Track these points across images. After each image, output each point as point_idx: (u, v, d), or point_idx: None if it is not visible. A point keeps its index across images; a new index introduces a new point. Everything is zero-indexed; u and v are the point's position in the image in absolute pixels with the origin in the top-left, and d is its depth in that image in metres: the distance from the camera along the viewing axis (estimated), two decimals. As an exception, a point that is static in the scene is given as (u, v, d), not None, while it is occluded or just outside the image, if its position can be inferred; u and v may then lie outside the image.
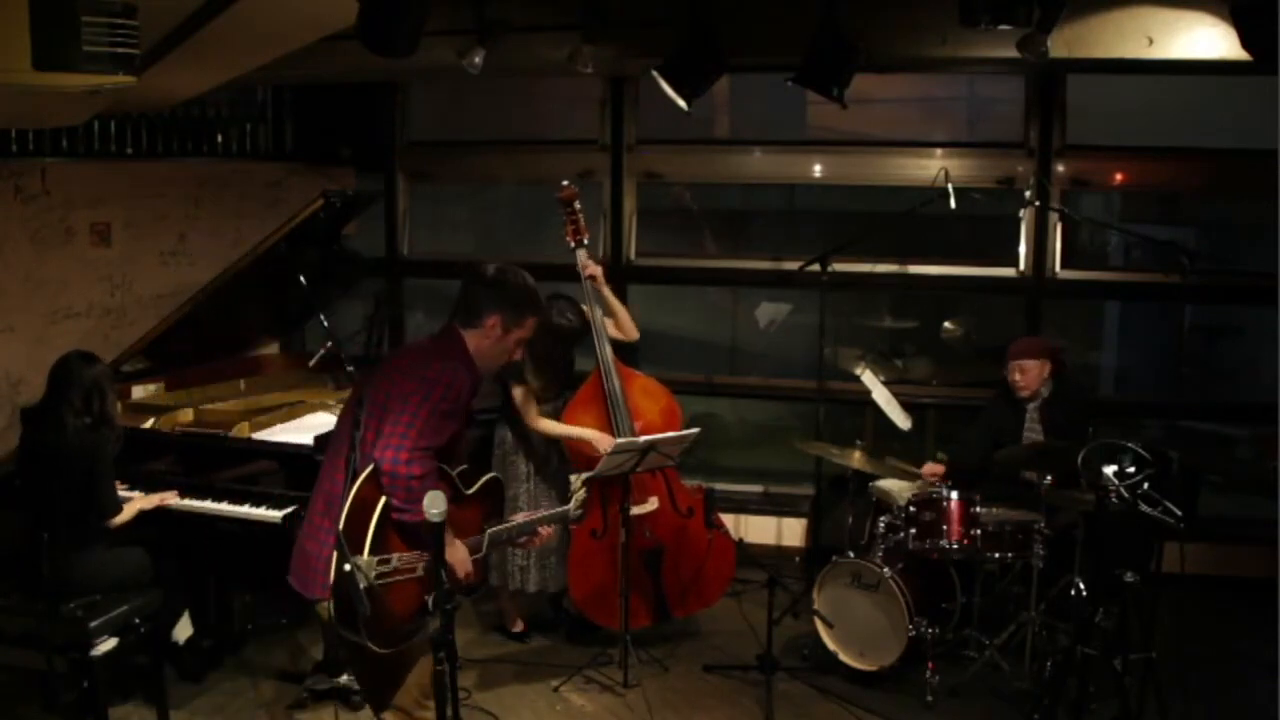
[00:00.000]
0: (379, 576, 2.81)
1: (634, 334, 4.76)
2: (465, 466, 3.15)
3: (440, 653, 2.85)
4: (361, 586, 2.74)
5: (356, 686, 4.09)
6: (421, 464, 2.84)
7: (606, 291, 4.69)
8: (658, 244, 6.38)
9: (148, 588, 3.93)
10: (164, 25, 3.91)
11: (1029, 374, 4.72)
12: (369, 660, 3.02)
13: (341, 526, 2.80)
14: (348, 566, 2.75)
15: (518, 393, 4.56)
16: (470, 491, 3.15)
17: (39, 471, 3.85)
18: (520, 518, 3.35)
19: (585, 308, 4.60)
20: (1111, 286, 6.13)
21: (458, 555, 3.03)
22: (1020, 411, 4.82)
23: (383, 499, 2.85)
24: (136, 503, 4.03)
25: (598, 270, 4.64)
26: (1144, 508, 3.58)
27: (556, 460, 4.69)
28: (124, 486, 4.12)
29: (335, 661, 4.22)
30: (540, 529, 3.35)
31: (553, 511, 3.48)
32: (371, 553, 2.81)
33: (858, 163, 6.08)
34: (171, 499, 4.15)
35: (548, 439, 4.64)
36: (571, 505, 3.50)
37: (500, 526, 3.23)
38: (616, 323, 4.71)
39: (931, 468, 4.86)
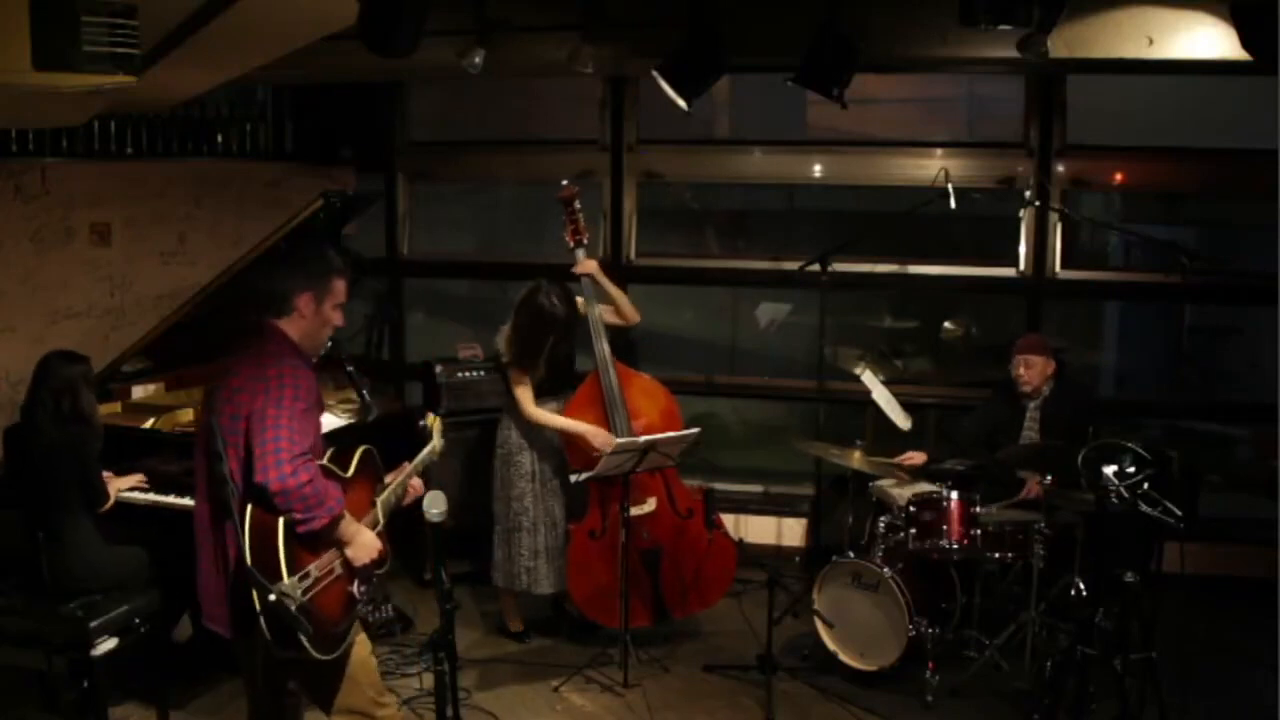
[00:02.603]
0: (304, 593, 2.76)
1: (635, 317, 4.78)
2: (333, 450, 3.09)
3: (440, 653, 2.85)
4: (294, 609, 2.69)
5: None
6: (306, 469, 2.76)
7: (604, 281, 4.70)
8: (658, 244, 6.38)
9: (147, 587, 3.93)
10: (164, 25, 3.90)
11: (1034, 369, 4.73)
12: (311, 670, 2.98)
13: (249, 561, 2.73)
14: (272, 596, 2.68)
15: (511, 378, 4.56)
16: (350, 473, 3.08)
17: (25, 471, 3.86)
18: (389, 478, 3.29)
19: (580, 300, 4.60)
20: (1111, 286, 6.13)
21: (365, 540, 2.98)
22: (1020, 410, 4.83)
23: (280, 520, 2.77)
24: (113, 482, 4.05)
25: (592, 265, 4.65)
26: (1144, 508, 3.58)
27: (561, 459, 4.68)
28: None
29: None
30: (411, 481, 3.33)
31: (420, 455, 3.41)
32: (289, 574, 2.75)
33: (858, 163, 6.07)
34: (136, 484, 4.17)
35: (548, 435, 4.64)
36: (437, 441, 3.50)
37: (385, 492, 3.19)
38: (617, 309, 4.72)
39: (911, 457, 4.84)
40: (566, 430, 4.56)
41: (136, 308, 5.19)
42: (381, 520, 3.15)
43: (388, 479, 3.28)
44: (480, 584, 5.09)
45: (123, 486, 4.11)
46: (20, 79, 3.05)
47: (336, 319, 3.10)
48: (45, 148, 5.10)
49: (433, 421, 3.60)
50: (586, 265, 4.68)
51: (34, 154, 5.02)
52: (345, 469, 3.08)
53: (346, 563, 2.96)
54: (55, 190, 4.84)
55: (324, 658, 2.83)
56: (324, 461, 2.99)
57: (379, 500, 3.16)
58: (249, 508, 2.78)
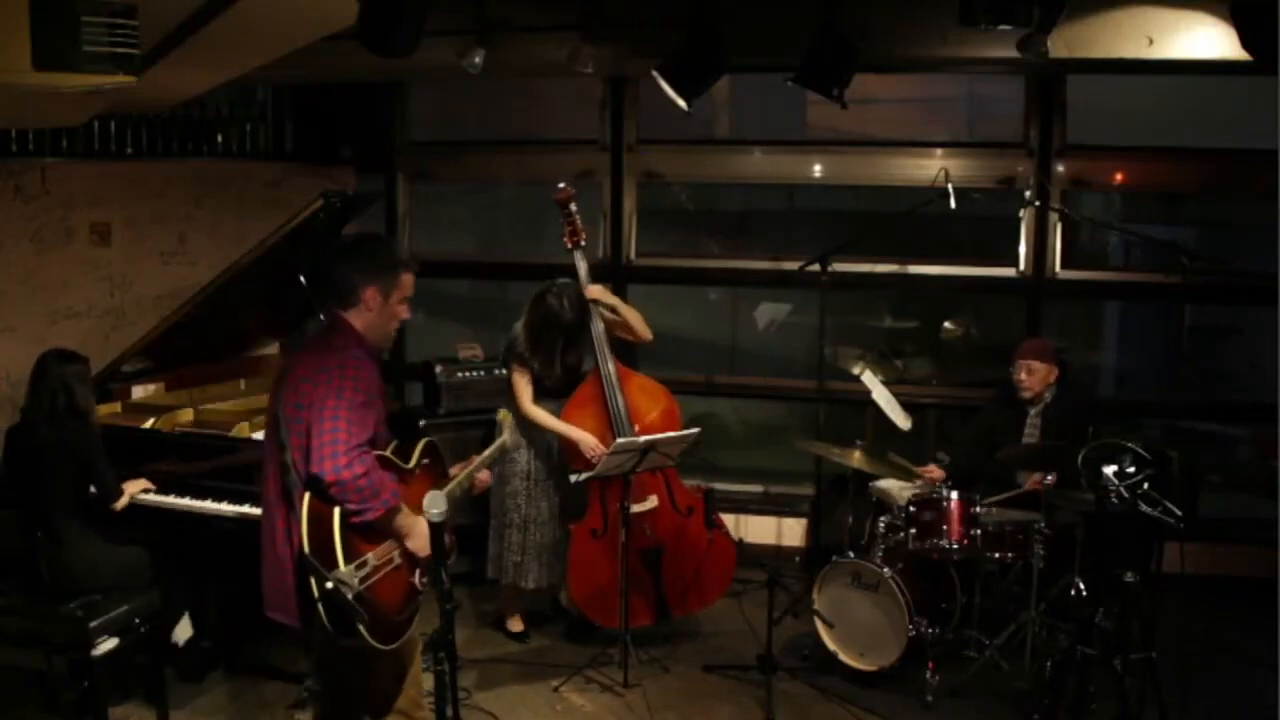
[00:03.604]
0: (361, 581, 2.79)
1: (647, 335, 4.74)
2: (396, 442, 3.12)
3: (440, 653, 2.86)
4: (350, 597, 2.72)
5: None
6: (361, 462, 2.80)
7: (614, 301, 4.68)
8: (657, 244, 6.38)
9: (147, 588, 3.93)
10: (164, 25, 3.91)
11: (1036, 375, 4.72)
12: (374, 665, 3.02)
13: (306, 549, 2.77)
14: (329, 584, 2.72)
15: (515, 375, 4.56)
16: (412, 465, 3.11)
17: (23, 470, 3.87)
18: (457, 469, 3.30)
19: (593, 305, 4.60)
20: (1111, 286, 6.13)
21: (423, 530, 2.99)
22: (1020, 415, 4.82)
23: (336, 509, 2.80)
24: (130, 485, 4.07)
25: (597, 291, 4.63)
26: (1144, 508, 3.58)
27: (556, 457, 4.69)
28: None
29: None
30: (478, 474, 3.34)
31: (490, 449, 3.42)
32: (346, 562, 2.78)
33: (858, 163, 6.07)
34: (145, 488, 4.16)
35: (547, 436, 4.64)
36: (505, 434, 3.53)
37: (450, 484, 3.20)
38: (629, 329, 4.71)
39: (931, 471, 4.84)
40: (558, 433, 4.57)
41: (136, 308, 5.19)
42: (445, 513, 3.13)
43: (453, 470, 3.29)
44: (479, 583, 5.09)
45: (135, 491, 4.10)
46: (20, 79, 3.05)
47: (403, 313, 3.12)
48: (45, 148, 5.10)
49: (504, 417, 3.68)
50: (592, 291, 4.61)
51: (34, 154, 5.02)
52: (407, 460, 3.10)
53: (407, 553, 2.97)
54: (55, 190, 4.85)
55: (382, 647, 2.86)
56: (387, 453, 3.01)
57: (443, 492, 3.15)
58: (307, 496, 2.82)
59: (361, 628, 2.77)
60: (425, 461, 3.16)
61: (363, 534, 2.86)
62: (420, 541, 2.98)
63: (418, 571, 3.01)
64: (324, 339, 3.03)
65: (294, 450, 2.87)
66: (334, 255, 3.12)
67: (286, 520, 2.92)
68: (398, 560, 2.94)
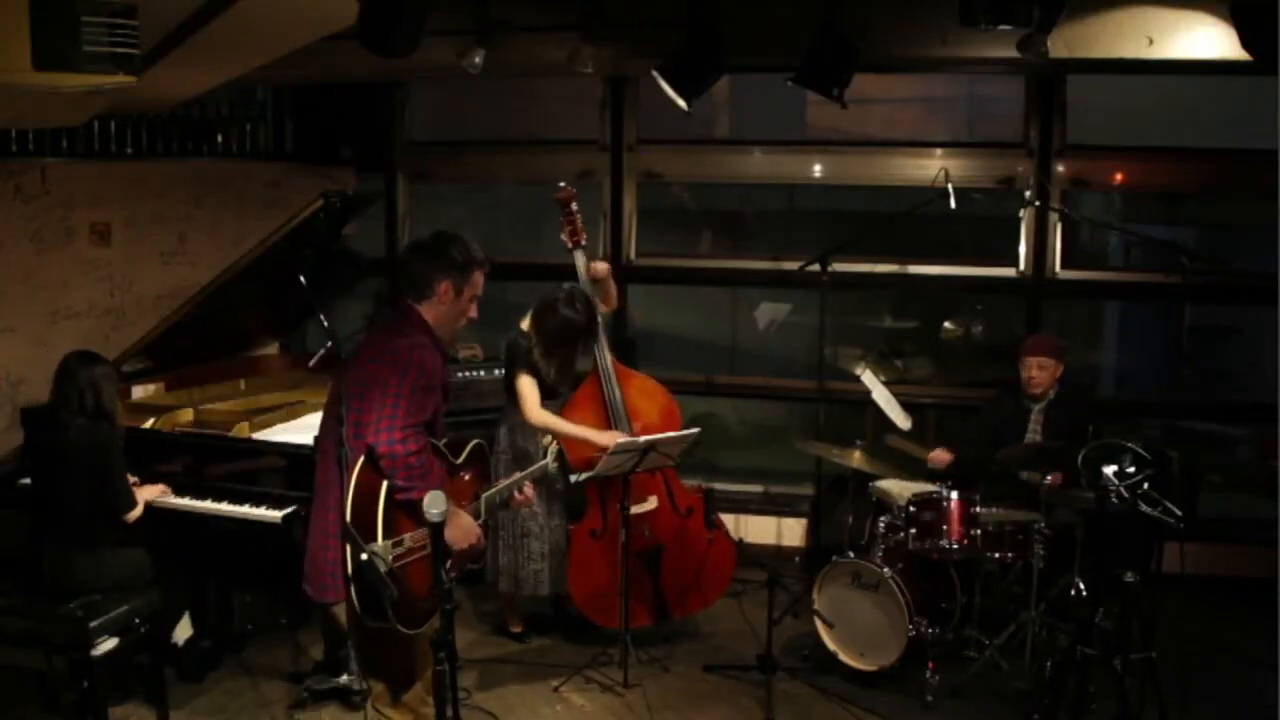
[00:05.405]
0: (395, 559, 2.88)
1: (615, 303, 4.87)
2: (448, 439, 3.24)
3: (440, 653, 2.88)
4: (383, 571, 2.81)
5: (356, 686, 4.10)
6: (415, 440, 2.92)
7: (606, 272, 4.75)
8: (657, 244, 6.39)
9: (147, 588, 3.93)
10: (164, 25, 3.91)
11: (1046, 371, 4.73)
12: (395, 648, 3.09)
13: (349, 518, 2.86)
14: (365, 555, 2.80)
15: (523, 381, 4.51)
16: (460, 460, 3.24)
17: (43, 472, 3.86)
18: (502, 482, 3.40)
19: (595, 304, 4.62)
20: (1111, 286, 6.13)
21: (463, 523, 3.09)
22: (1025, 412, 4.82)
23: (384, 484, 2.90)
24: (143, 492, 4.03)
25: (604, 269, 4.69)
26: (1144, 508, 3.58)
27: (561, 460, 4.67)
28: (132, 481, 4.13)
29: (335, 661, 4.23)
30: (525, 486, 3.42)
31: (531, 469, 3.54)
32: (384, 537, 2.87)
33: (858, 163, 6.08)
34: (167, 495, 4.14)
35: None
36: (549, 459, 3.64)
37: (492, 490, 3.30)
38: (607, 299, 4.77)
39: (939, 454, 4.85)
40: (571, 435, 4.50)
41: (136, 308, 5.19)
42: (483, 515, 3.24)
43: (500, 483, 3.38)
44: (478, 584, 5.09)
45: (151, 496, 4.07)
46: (20, 79, 3.06)
47: (472, 311, 3.24)
48: (45, 148, 5.10)
49: (549, 443, 3.93)
50: (598, 269, 4.68)
51: (34, 154, 5.02)
52: (456, 457, 3.22)
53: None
54: (55, 190, 4.85)
55: (405, 630, 2.94)
56: (439, 443, 3.13)
57: (484, 496, 3.26)
58: (359, 466, 2.91)
59: (387, 604, 2.83)
60: (473, 461, 3.28)
61: (405, 514, 2.95)
62: (457, 532, 3.06)
63: (449, 563, 3.06)
64: (395, 325, 3.15)
65: (349, 425, 2.97)
66: (411, 248, 3.28)
67: (340, 497, 2.99)
68: (431, 548, 3.00)
